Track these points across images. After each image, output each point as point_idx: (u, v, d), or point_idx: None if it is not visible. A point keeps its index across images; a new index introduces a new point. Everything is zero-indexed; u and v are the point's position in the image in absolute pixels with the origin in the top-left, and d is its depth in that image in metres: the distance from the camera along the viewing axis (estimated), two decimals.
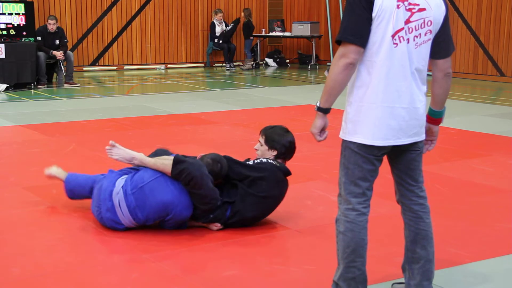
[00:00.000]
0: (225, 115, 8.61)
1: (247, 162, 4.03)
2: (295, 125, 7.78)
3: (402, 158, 2.87)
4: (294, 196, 4.83)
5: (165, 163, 3.80)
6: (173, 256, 3.62)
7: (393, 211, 3.08)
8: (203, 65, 15.79)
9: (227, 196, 3.89)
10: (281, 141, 4.02)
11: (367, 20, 2.64)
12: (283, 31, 16.18)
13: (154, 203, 3.78)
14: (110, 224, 3.89)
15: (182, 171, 3.72)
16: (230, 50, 15.26)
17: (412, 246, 2.97)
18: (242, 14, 15.56)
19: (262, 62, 16.26)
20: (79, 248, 3.75)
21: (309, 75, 14.46)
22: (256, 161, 4.03)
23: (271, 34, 16.11)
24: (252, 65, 15.49)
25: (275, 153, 4.00)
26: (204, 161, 3.85)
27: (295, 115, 8.52)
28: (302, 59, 16.66)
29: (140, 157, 3.95)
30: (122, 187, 3.85)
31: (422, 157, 2.92)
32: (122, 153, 4.01)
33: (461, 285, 3.29)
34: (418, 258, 2.95)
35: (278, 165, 4.00)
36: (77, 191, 4.29)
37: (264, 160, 4.01)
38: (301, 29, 15.44)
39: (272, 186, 3.92)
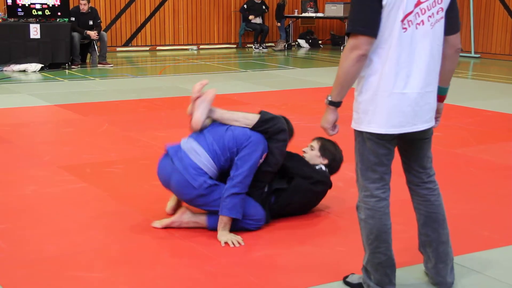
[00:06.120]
0: (257, 96, 8.59)
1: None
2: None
3: (412, 146, 2.83)
4: None
5: (248, 117, 3.72)
6: (205, 236, 3.64)
7: None
8: (235, 46, 15.77)
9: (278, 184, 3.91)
10: (334, 154, 4.08)
11: (377, 10, 2.56)
12: (316, 11, 16.04)
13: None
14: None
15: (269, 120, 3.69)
16: (263, 31, 15.19)
17: (424, 230, 2.95)
18: None
19: (294, 43, 16.16)
20: (112, 227, 3.79)
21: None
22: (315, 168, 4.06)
23: (303, 14, 15.99)
24: (285, 46, 15.41)
25: (326, 162, 4.05)
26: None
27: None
28: (335, 40, 16.51)
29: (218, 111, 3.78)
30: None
31: (431, 143, 2.88)
32: (203, 108, 3.75)
33: (496, 268, 3.25)
34: (431, 241, 2.93)
35: (328, 176, 4.05)
36: None
37: (320, 168, 4.03)
38: (334, 9, 15.28)
39: (321, 193, 4.02)
